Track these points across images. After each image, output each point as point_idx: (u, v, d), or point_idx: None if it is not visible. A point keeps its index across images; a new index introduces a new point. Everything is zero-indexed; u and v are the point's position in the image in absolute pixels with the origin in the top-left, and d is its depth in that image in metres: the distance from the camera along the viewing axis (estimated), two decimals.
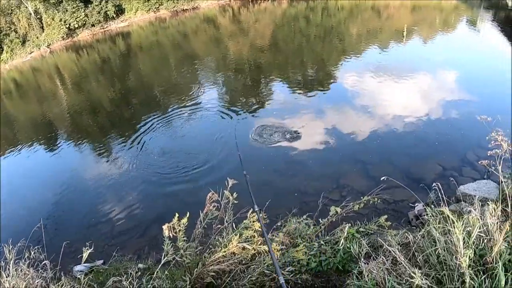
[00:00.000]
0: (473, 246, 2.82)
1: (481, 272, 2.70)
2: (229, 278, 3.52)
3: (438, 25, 22.34)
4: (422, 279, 2.62)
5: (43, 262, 3.78)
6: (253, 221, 3.61)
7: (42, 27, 37.34)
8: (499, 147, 3.60)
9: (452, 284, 2.68)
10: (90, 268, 5.48)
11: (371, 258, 3.21)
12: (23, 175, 11.58)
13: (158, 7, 41.06)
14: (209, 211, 3.71)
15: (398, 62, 15.58)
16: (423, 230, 3.32)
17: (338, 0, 33.79)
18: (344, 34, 23.87)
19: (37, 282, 3.57)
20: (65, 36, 37.38)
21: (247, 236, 3.54)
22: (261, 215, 3.58)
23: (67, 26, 37.21)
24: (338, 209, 4.28)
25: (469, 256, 2.67)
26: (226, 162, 9.24)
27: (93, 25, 39.03)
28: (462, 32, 20.17)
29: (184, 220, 3.53)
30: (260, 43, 23.57)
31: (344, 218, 4.34)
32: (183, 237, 3.51)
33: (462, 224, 2.82)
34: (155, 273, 3.55)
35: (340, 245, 3.82)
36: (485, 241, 2.87)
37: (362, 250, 3.46)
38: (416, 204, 6.30)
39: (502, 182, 3.82)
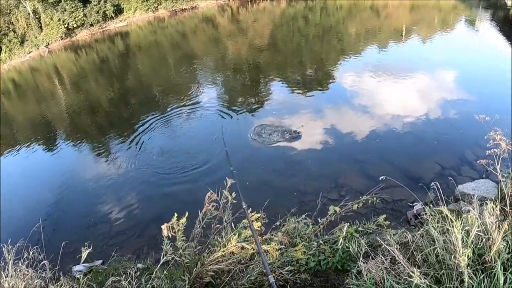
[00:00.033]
0: (472, 246, 2.83)
1: (480, 271, 2.71)
2: (228, 278, 3.52)
3: (437, 24, 22.35)
4: (420, 278, 2.63)
5: (42, 262, 3.78)
6: (252, 221, 3.61)
7: (40, 27, 37.23)
8: (498, 146, 3.61)
9: (451, 283, 2.68)
10: (89, 268, 5.47)
11: (370, 257, 3.21)
12: (22, 175, 11.56)
13: (157, 6, 40.98)
14: (208, 210, 3.71)
15: (397, 61, 15.59)
16: (422, 229, 3.33)
17: (336, 0, 33.78)
18: (343, 33, 23.87)
19: (36, 282, 3.57)
20: (63, 36, 37.27)
21: (246, 236, 3.54)
22: (249, 210, 3.58)
23: (66, 26, 37.10)
24: (337, 209, 4.29)
25: (468, 255, 2.67)
26: (227, 161, 9.22)
27: (91, 25, 38.93)
28: (460, 32, 20.19)
29: (183, 220, 3.53)
30: (259, 42, 23.56)
31: (343, 218, 4.34)
32: (182, 236, 3.51)
33: (461, 224, 2.82)
34: (154, 272, 3.55)
35: (339, 244, 3.82)
36: (484, 240, 2.88)
37: (361, 249, 3.47)
38: (415, 204, 6.31)
39: (500, 181, 3.84)
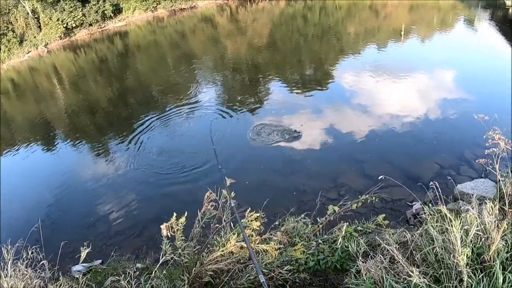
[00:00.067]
0: (471, 245, 2.83)
1: (479, 271, 2.71)
2: (227, 277, 3.52)
3: (436, 24, 22.37)
4: (420, 278, 2.63)
5: (41, 262, 3.78)
6: (251, 221, 3.61)
7: (39, 27, 37.15)
8: (497, 145, 3.62)
9: (450, 283, 2.68)
10: (88, 268, 5.47)
11: (369, 256, 3.21)
12: (21, 175, 11.54)
13: (156, 6, 40.92)
14: (207, 210, 3.71)
15: (396, 61, 15.59)
16: (421, 228, 3.33)
17: None
18: (342, 33, 23.87)
19: (36, 282, 3.57)
20: (62, 35, 37.19)
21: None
22: (234, 204, 3.59)
23: (65, 25, 37.02)
24: (336, 208, 4.29)
25: (467, 254, 2.68)
26: (226, 161, 9.22)
27: (90, 25, 38.85)
28: (459, 32, 20.21)
29: (182, 220, 3.53)
30: (258, 42, 23.55)
31: (342, 217, 4.34)
32: (181, 236, 3.51)
33: (460, 223, 2.83)
34: (153, 272, 3.55)
35: (338, 244, 3.82)
36: (483, 239, 2.88)
37: (360, 249, 3.47)
38: (414, 203, 6.32)
39: (499, 180, 3.84)
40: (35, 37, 36.67)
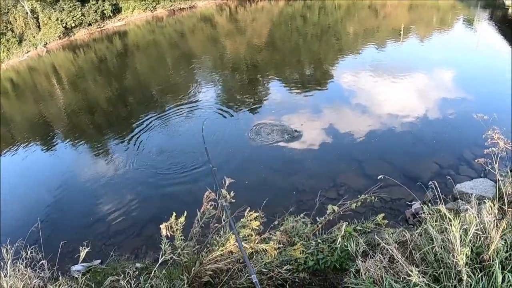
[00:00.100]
0: (470, 244, 2.83)
1: (478, 270, 2.71)
2: (226, 277, 3.52)
3: (435, 24, 22.38)
4: (419, 277, 2.63)
5: (41, 262, 3.78)
6: (250, 220, 3.61)
7: (38, 26, 37.13)
8: (496, 145, 3.62)
9: (449, 282, 2.69)
10: (87, 268, 5.47)
11: (369, 256, 3.21)
12: (21, 175, 11.53)
13: (155, 6, 40.94)
14: (206, 210, 3.71)
15: (395, 61, 15.60)
16: (420, 228, 3.33)
17: None
18: (341, 33, 23.89)
19: (35, 282, 3.57)
20: (61, 35, 37.20)
21: (245, 235, 3.54)
22: (226, 204, 3.58)
23: (64, 25, 37.02)
24: (335, 208, 4.29)
25: (466, 254, 2.68)
26: (226, 161, 9.23)
27: (90, 24, 38.86)
28: (459, 31, 20.22)
29: (182, 219, 3.53)
30: (257, 42, 23.55)
31: (341, 217, 4.34)
32: (181, 236, 3.51)
33: (459, 222, 2.83)
34: (153, 272, 3.55)
35: (337, 243, 3.83)
36: (482, 239, 2.88)
37: (359, 248, 3.47)
38: (413, 203, 6.33)
39: (498, 180, 3.84)
40: (34, 37, 36.65)
